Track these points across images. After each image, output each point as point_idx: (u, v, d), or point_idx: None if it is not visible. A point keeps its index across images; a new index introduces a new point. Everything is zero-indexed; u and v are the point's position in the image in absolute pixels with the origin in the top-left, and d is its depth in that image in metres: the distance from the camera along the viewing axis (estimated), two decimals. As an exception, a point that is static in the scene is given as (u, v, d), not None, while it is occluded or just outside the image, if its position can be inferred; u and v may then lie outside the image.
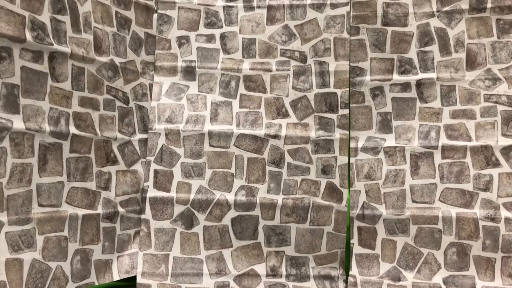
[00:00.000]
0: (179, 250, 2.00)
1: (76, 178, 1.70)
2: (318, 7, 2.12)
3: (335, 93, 2.08)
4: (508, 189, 1.93)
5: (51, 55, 1.59)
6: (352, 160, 2.05)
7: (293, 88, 2.10)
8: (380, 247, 2.00)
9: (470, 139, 1.97)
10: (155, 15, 2.16)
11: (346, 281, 2.00)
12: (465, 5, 2.02)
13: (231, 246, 2.02)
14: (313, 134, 2.06)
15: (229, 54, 2.14)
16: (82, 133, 1.71)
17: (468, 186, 1.95)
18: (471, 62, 2.02)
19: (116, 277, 1.87)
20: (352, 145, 2.05)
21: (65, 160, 1.65)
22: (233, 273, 1.99)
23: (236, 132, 2.06)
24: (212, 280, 1.98)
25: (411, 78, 2.04)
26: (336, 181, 2.04)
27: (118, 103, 1.92)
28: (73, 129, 1.67)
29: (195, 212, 2.02)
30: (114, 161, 1.89)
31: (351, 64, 2.09)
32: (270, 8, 2.14)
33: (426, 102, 2.03)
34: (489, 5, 2.00)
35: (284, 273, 2.00)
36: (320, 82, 2.09)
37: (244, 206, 2.03)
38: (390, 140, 2.04)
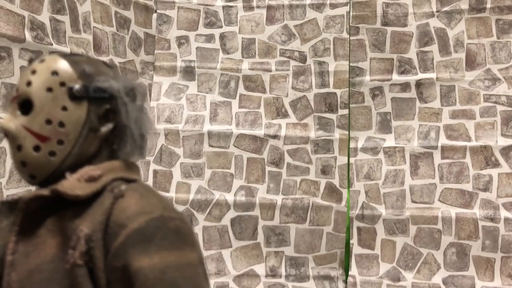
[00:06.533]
0: (178, 250, 2.00)
1: (75, 178, 1.69)
2: (318, 7, 2.12)
3: (335, 93, 2.08)
4: (507, 189, 1.93)
5: (50, 55, 1.59)
6: (352, 160, 2.05)
7: (293, 88, 2.10)
8: (379, 247, 1.99)
9: (469, 139, 1.97)
10: (154, 15, 2.16)
11: (345, 281, 2.00)
12: (464, 5, 2.02)
13: (231, 246, 2.02)
14: (312, 134, 2.06)
15: (228, 54, 2.13)
16: (82, 133, 1.71)
17: (468, 186, 1.95)
18: (471, 62, 2.01)
19: (115, 277, 1.87)
20: (352, 145, 2.05)
21: (64, 160, 1.64)
22: (232, 273, 1.99)
23: (236, 132, 2.06)
24: (211, 280, 1.97)
25: (411, 78, 2.04)
26: (336, 181, 2.03)
27: (117, 103, 1.92)
28: (72, 129, 1.67)
29: (195, 212, 2.02)
30: (114, 161, 1.88)
31: (351, 64, 2.09)
32: (269, 8, 2.14)
33: (426, 102, 2.03)
34: (488, 5, 2.00)
35: (283, 273, 2.00)
36: (320, 82, 2.09)
37: (244, 206, 2.02)
38: (389, 140, 2.03)
